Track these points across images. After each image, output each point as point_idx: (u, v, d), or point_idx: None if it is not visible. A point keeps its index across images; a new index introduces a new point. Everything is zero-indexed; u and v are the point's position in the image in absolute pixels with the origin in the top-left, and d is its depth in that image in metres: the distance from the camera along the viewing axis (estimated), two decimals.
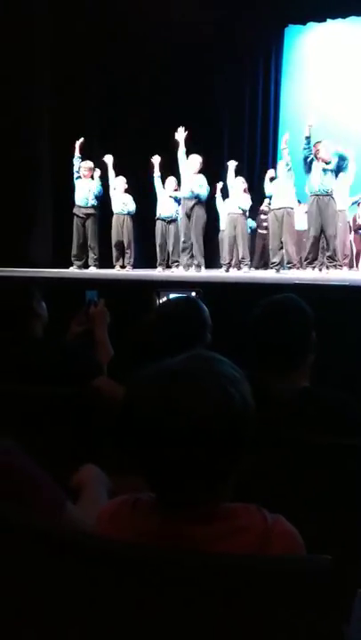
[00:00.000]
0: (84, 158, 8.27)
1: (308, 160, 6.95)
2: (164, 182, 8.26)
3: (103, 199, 8.40)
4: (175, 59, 9.65)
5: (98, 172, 8.30)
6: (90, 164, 8.27)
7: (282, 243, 7.61)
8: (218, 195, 8.99)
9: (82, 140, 8.18)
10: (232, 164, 8.35)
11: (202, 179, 7.61)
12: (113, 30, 9.33)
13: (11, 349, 2.22)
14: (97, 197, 8.23)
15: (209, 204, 8.19)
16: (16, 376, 2.11)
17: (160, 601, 0.96)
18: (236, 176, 8.45)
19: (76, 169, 8.21)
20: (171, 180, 8.20)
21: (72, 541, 1.02)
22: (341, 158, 7.05)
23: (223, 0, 9.50)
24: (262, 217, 9.11)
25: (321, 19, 10.56)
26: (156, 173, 8.25)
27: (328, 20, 10.52)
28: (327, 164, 6.93)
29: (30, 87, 8.68)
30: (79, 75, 9.08)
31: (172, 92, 9.86)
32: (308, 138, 6.94)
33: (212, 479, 1.03)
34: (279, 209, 7.56)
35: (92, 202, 8.20)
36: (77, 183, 8.23)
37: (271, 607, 0.95)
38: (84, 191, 8.19)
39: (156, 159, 8.23)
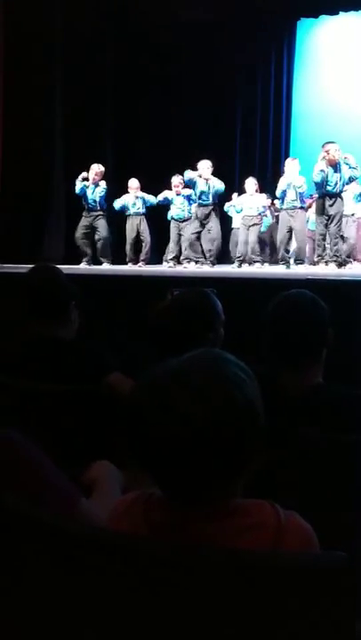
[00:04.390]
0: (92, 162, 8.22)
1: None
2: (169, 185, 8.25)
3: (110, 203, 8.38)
4: (185, 55, 9.61)
5: (103, 183, 8.21)
6: (101, 168, 8.18)
7: (292, 240, 7.62)
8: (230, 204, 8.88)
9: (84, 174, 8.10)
10: (250, 182, 8.32)
11: (214, 178, 7.74)
12: (119, 27, 9.32)
13: (32, 348, 2.23)
14: (103, 200, 8.20)
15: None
16: (30, 374, 2.11)
17: (173, 596, 0.96)
18: (247, 176, 8.47)
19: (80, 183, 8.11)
20: (176, 178, 8.17)
21: (86, 536, 1.02)
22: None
23: None
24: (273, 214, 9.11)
25: (333, 12, 10.45)
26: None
27: (341, 12, 10.41)
28: (334, 167, 6.95)
29: (44, 91, 8.72)
30: (91, 74, 9.09)
31: (181, 88, 9.83)
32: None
33: (217, 480, 1.02)
34: (292, 209, 7.55)
35: (100, 206, 8.19)
36: (87, 187, 8.16)
37: (285, 603, 0.94)
38: (92, 195, 8.14)
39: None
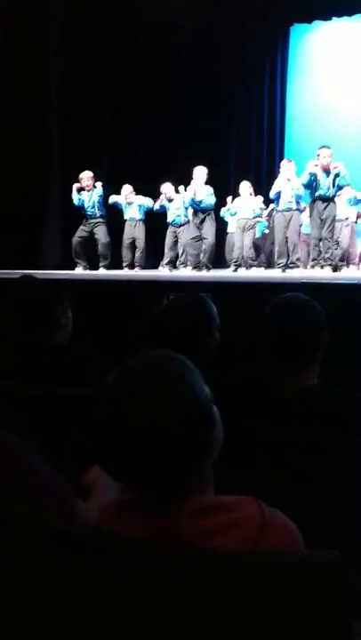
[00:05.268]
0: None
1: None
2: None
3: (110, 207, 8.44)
4: (179, 60, 9.64)
5: (100, 184, 8.23)
6: (89, 173, 8.20)
7: (287, 243, 7.65)
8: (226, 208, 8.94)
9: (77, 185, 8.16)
10: (244, 185, 8.38)
11: (209, 189, 7.80)
12: (117, 27, 9.33)
13: (25, 353, 2.24)
14: (101, 204, 8.22)
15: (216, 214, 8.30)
16: (26, 377, 2.12)
17: (170, 596, 0.96)
18: (242, 180, 8.51)
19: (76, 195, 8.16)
20: (166, 186, 8.26)
21: (83, 538, 1.02)
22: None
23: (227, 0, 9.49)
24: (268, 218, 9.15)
25: (327, 17, 10.52)
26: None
27: (334, 18, 10.48)
28: (327, 172, 6.99)
29: (40, 92, 8.72)
30: (88, 75, 9.09)
31: (179, 91, 9.86)
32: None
33: (185, 473, 1.04)
34: (287, 210, 7.57)
35: (100, 212, 8.21)
36: (82, 196, 8.18)
37: (280, 604, 0.95)
38: (90, 202, 8.16)
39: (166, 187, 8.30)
